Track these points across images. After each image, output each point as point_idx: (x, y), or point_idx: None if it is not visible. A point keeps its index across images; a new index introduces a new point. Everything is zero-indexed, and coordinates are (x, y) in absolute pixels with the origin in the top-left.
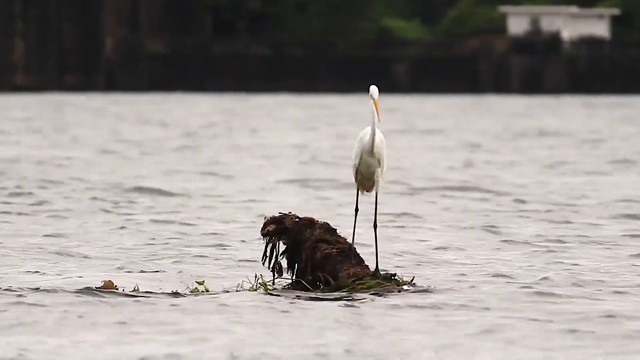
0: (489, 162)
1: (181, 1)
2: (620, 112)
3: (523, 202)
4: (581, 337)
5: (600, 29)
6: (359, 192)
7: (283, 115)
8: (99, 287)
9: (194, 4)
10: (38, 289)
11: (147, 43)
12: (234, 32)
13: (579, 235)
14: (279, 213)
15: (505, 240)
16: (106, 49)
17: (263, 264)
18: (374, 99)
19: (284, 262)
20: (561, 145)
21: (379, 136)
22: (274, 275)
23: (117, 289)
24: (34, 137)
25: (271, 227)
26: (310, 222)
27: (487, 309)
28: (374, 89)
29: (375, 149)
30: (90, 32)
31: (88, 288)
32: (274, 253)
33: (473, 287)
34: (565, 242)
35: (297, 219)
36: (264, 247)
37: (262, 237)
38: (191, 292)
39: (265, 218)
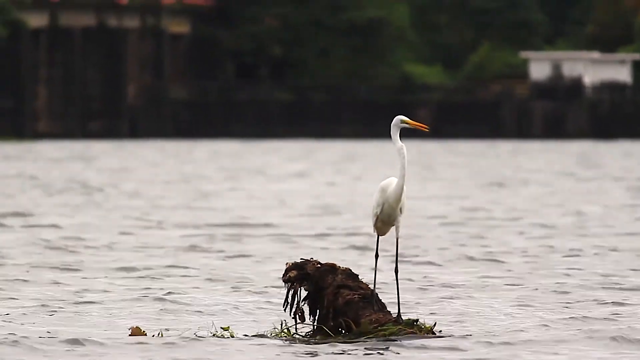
0: None
1: (204, 47)
2: None
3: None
4: None
5: (622, 74)
6: (379, 237)
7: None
8: (128, 335)
9: (217, 50)
10: (63, 336)
11: (170, 89)
12: (256, 77)
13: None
14: (301, 259)
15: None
16: (129, 96)
17: (285, 310)
18: (406, 121)
19: (305, 308)
20: None
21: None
22: (295, 322)
23: (145, 335)
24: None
25: (293, 273)
26: (332, 268)
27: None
28: (398, 118)
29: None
30: (114, 79)
31: (116, 336)
32: (296, 299)
33: (496, 333)
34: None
35: (319, 265)
36: (285, 293)
37: (283, 283)
38: (213, 336)
39: (286, 264)
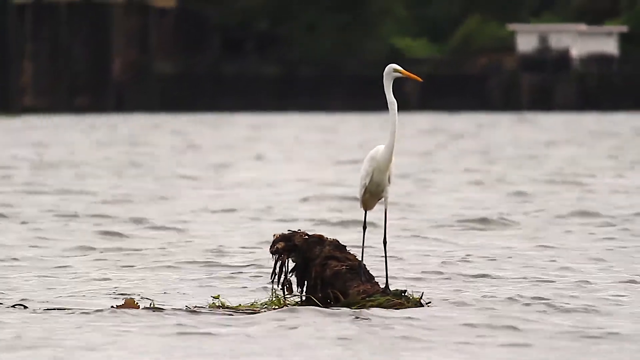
0: None
1: (190, 21)
2: None
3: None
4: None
5: (609, 46)
6: (366, 210)
7: None
8: (120, 305)
9: (203, 24)
10: (59, 306)
11: (156, 63)
12: (243, 51)
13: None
14: (288, 230)
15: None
16: (115, 70)
17: (272, 281)
18: (399, 70)
19: (293, 280)
20: None
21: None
22: (283, 293)
23: (138, 307)
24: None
25: (280, 245)
26: (319, 240)
27: (509, 326)
28: (390, 67)
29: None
30: (100, 53)
31: (110, 307)
32: (283, 270)
33: (482, 302)
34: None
35: (307, 236)
36: (273, 265)
37: (271, 254)
38: (209, 307)
39: (274, 235)
